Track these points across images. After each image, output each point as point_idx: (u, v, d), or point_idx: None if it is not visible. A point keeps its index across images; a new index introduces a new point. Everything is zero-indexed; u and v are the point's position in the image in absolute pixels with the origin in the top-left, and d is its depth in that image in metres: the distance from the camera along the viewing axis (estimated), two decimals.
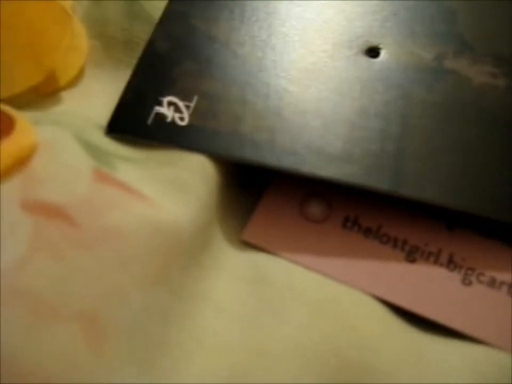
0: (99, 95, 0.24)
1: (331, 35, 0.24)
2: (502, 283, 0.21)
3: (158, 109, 0.22)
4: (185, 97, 0.22)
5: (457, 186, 0.21)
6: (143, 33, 0.24)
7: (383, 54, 0.24)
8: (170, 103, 0.22)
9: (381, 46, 0.24)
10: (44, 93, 0.23)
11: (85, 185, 0.19)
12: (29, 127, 0.20)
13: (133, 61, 0.24)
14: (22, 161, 0.19)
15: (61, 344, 0.16)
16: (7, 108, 0.21)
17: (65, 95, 0.23)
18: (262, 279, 0.20)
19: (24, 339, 0.16)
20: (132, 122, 0.22)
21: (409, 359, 0.19)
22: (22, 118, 0.21)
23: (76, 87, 0.24)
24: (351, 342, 0.19)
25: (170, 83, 0.23)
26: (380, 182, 0.21)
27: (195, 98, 0.22)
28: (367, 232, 0.21)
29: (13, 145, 0.20)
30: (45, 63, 0.23)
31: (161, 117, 0.22)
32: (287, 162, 0.21)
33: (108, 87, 0.24)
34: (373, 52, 0.24)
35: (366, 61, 0.24)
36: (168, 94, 0.22)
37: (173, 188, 0.20)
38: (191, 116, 0.22)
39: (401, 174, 0.21)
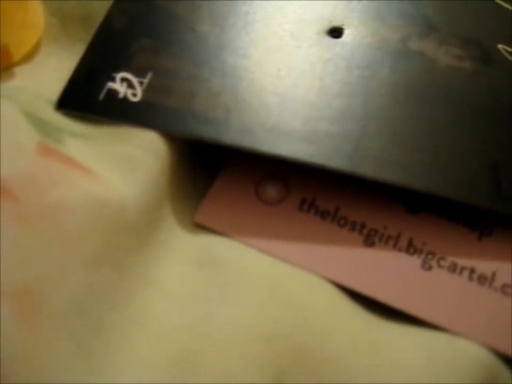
0: (53, 72, 0.23)
1: (293, 15, 0.24)
2: (463, 268, 0.20)
3: (111, 85, 0.21)
4: (139, 73, 0.22)
5: (418, 168, 0.20)
6: (101, 9, 0.24)
7: (346, 34, 0.23)
8: (123, 79, 0.21)
9: (344, 26, 0.23)
10: None
11: (28, 160, 0.18)
12: None
13: (88, 37, 0.23)
14: None
15: None
16: None
17: (18, 70, 0.22)
18: (213, 263, 0.19)
19: None
20: (83, 98, 0.21)
21: (362, 346, 0.18)
22: None
23: (29, 63, 0.23)
24: (301, 327, 0.18)
25: (124, 59, 0.22)
26: (338, 162, 0.20)
27: (149, 75, 0.22)
28: (324, 214, 0.21)
29: None
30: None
31: (113, 92, 0.21)
32: (242, 140, 0.20)
33: (63, 64, 0.23)
34: (335, 32, 0.23)
35: (328, 40, 0.23)
36: (122, 70, 0.22)
37: (122, 165, 0.19)
38: (144, 92, 0.21)
39: (362, 154, 0.20)
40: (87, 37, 0.23)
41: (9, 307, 0.16)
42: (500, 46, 0.24)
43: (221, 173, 0.21)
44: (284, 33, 0.23)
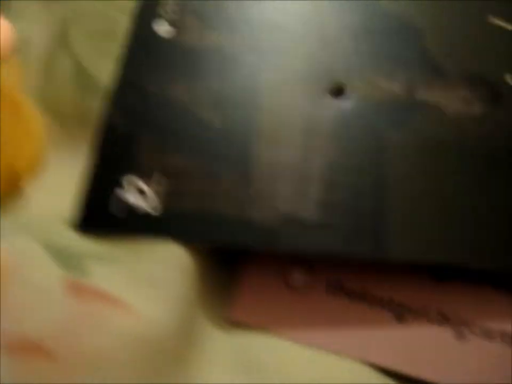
0: (62, 180, 0.23)
1: (294, 77, 0.23)
2: (496, 332, 0.20)
3: (124, 196, 0.21)
4: (150, 179, 0.22)
5: (441, 240, 0.20)
6: (95, 103, 0.23)
7: (349, 92, 0.23)
8: (133, 186, 0.21)
9: (345, 82, 0.23)
10: (7, 191, 0.22)
11: (59, 308, 0.19)
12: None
13: (88, 135, 0.23)
14: None
15: None
16: None
17: (29, 187, 0.23)
18: (251, 366, 0.20)
19: None
20: (98, 216, 0.21)
21: None
22: None
23: (38, 175, 0.23)
24: None
25: (132, 164, 0.22)
26: (361, 248, 0.20)
27: (159, 179, 0.21)
28: (352, 295, 0.21)
29: None
30: (7, 168, 0.22)
31: (127, 205, 0.21)
32: (261, 240, 0.20)
33: (72, 169, 0.23)
34: (338, 91, 0.23)
35: (332, 103, 0.22)
36: (132, 178, 0.22)
37: (150, 287, 0.20)
38: (156, 199, 0.21)
39: (382, 235, 0.20)
40: (85, 134, 0.23)
41: None
42: (508, 76, 0.23)
43: (246, 266, 0.22)
44: (290, 100, 0.22)
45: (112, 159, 0.22)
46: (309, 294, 0.21)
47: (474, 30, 0.24)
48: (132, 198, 0.21)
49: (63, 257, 0.20)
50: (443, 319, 0.20)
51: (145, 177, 0.22)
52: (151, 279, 0.20)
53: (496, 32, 0.24)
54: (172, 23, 0.25)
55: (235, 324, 0.21)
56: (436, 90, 0.23)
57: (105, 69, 0.24)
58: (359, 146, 0.22)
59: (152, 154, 0.22)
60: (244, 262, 0.22)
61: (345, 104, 0.22)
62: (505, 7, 0.25)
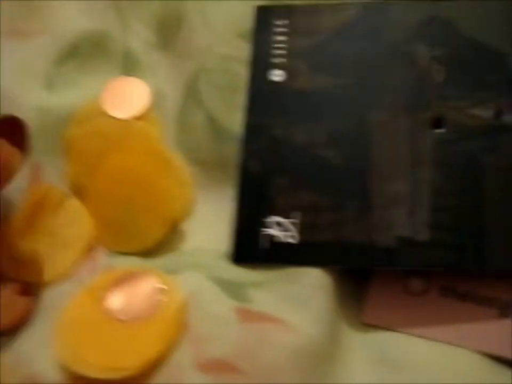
0: (213, 219, 0.28)
1: (398, 112, 0.27)
2: None
3: (268, 231, 0.26)
4: (287, 214, 0.26)
5: None
6: (230, 151, 0.28)
7: (446, 122, 0.26)
8: (276, 223, 0.26)
9: (442, 113, 0.27)
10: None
11: (236, 331, 0.24)
12: (176, 284, 0.25)
13: (229, 179, 0.28)
14: (181, 322, 0.24)
15: None
16: (149, 269, 0.26)
17: (184, 228, 0.28)
18: (384, 359, 0.25)
19: None
20: (249, 250, 0.26)
21: None
22: (167, 279, 0.25)
23: (192, 215, 0.28)
24: None
25: (271, 203, 0.26)
26: (466, 262, 0.25)
27: (295, 214, 0.26)
28: (463, 296, 0.26)
29: (169, 309, 0.25)
30: (166, 215, 0.27)
31: (272, 238, 0.26)
32: (383, 259, 0.25)
33: (218, 208, 0.28)
34: (436, 122, 0.27)
35: (432, 133, 0.26)
36: (272, 215, 0.26)
37: (301, 306, 0.25)
38: (297, 232, 0.26)
39: (482, 250, 0.25)
40: (227, 178, 0.28)
41: None
42: None
43: (374, 279, 0.27)
44: (397, 135, 0.26)
45: (253, 199, 0.27)
46: (425, 298, 0.26)
47: None
48: (274, 231, 0.26)
49: (228, 287, 0.25)
50: None
51: (283, 213, 0.26)
52: (301, 299, 0.25)
53: None
54: (284, 69, 0.29)
55: (368, 326, 0.26)
56: None
57: (233, 118, 0.28)
58: (458, 172, 0.26)
59: (286, 193, 0.27)
60: (371, 277, 0.27)
61: (444, 134, 0.26)
62: None
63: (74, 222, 0.28)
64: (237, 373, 0.23)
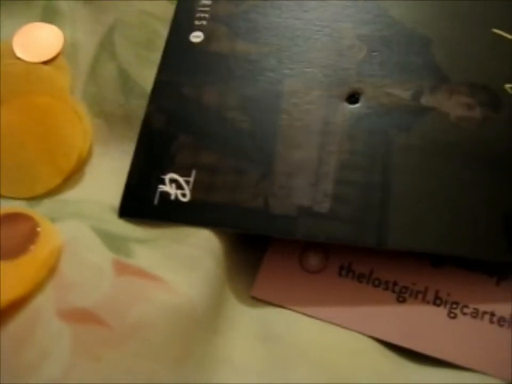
0: (109, 173, 0.26)
1: (314, 84, 0.26)
2: (485, 313, 0.23)
3: (162, 187, 0.25)
4: (184, 172, 0.25)
5: (436, 231, 0.23)
6: (139, 107, 0.26)
7: (362, 98, 0.25)
8: (172, 180, 0.25)
9: (359, 90, 0.26)
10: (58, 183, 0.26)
11: (109, 283, 0.22)
12: (53, 230, 0.23)
13: (134, 135, 0.26)
14: (51, 267, 0.22)
15: None
16: (30, 212, 0.24)
17: (78, 178, 0.26)
18: (271, 336, 0.23)
19: None
20: (140, 205, 0.24)
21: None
22: (45, 222, 0.23)
23: (87, 167, 0.26)
24: None
25: (169, 160, 0.25)
26: (367, 238, 0.23)
27: (193, 173, 0.25)
28: (361, 278, 0.24)
29: (41, 252, 0.23)
30: (63, 166, 0.25)
31: (165, 195, 0.24)
32: (281, 229, 0.24)
33: (115, 163, 0.26)
34: (352, 97, 0.26)
35: (346, 108, 0.25)
36: (169, 171, 0.25)
37: (185, 267, 0.23)
38: (191, 191, 0.24)
39: (387, 226, 0.23)
40: (131, 134, 0.26)
41: None
42: (507, 86, 0.26)
43: (268, 251, 0.25)
44: (309, 106, 0.25)
45: (151, 155, 0.25)
46: (322, 276, 0.24)
47: (478, 41, 0.27)
48: (167, 188, 0.24)
49: (110, 240, 0.24)
50: (438, 300, 0.23)
51: (179, 171, 0.25)
52: (186, 260, 0.23)
53: (498, 43, 0.26)
54: (204, 31, 0.27)
55: (256, 300, 0.24)
56: (440, 97, 0.25)
57: (146, 74, 0.27)
58: (368, 147, 0.25)
59: (187, 151, 0.25)
60: (266, 248, 0.25)
61: (358, 109, 0.25)
62: (508, 19, 0.27)
63: None
64: (100, 325, 0.21)
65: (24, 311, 0.21)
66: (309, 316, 0.24)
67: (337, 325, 0.23)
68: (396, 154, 0.24)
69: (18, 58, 0.27)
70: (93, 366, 0.21)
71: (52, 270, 0.22)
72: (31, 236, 0.23)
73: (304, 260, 0.25)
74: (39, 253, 0.22)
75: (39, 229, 0.23)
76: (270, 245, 0.25)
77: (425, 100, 0.25)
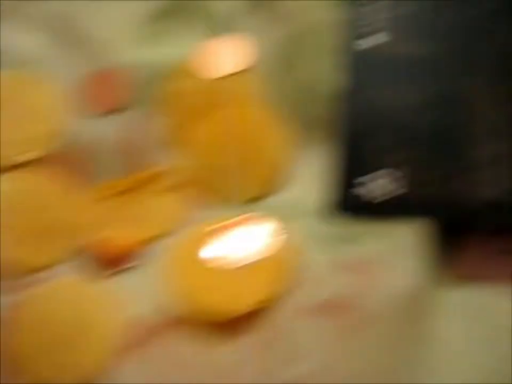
0: (310, 176, 0.28)
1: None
2: None
3: (366, 186, 0.27)
4: (387, 170, 0.27)
5: None
6: (325, 113, 0.29)
7: None
8: (375, 179, 0.27)
9: None
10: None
11: (336, 278, 0.25)
12: (278, 236, 0.26)
13: (328, 138, 0.28)
14: (286, 267, 0.25)
15: None
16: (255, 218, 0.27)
17: (283, 182, 0.29)
18: (473, 311, 0.26)
19: None
20: (349, 204, 0.27)
21: None
22: (269, 227, 0.26)
23: (289, 172, 0.29)
24: None
25: (371, 160, 0.27)
26: None
27: (395, 170, 0.27)
28: None
29: (278, 254, 0.26)
30: (266, 173, 0.28)
31: (371, 193, 0.27)
32: (486, 215, 0.26)
33: (315, 166, 0.28)
34: None
35: None
36: (372, 171, 0.27)
37: (400, 256, 0.26)
38: (400, 187, 0.27)
39: None
40: (326, 138, 0.29)
41: None
42: None
43: (468, 234, 0.28)
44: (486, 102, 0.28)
45: (355, 157, 0.28)
46: None
47: None
48: (372, 186, 0.27)
49: (326, 239, 0.26)
50: None
51: (383, 169, 0.27)
52: (400, 249, 0.26)
53: None
54: (377, 34, 0.29)
55: (459, 280, 0.27)
56: None
57: (326, 81, 0.29)
58: None
59: (383, 151, 0.28)
60: (464, 234, 0.28)
61: None
62: None
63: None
64: (340, 316, 0.24)
65: (272, 311, 0.25)
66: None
67: None
68: None
69: (209, 73, 0.30)
70: (346, 348, 0.24)
71: (287, 272, 0.25)
72: (261, 242, 0.26)
73: (503, 242, 0.27)
74: (272, 257, 0.26)
75: (265, 234, 0.26)
76: (470, 231, 0.28)
77: None
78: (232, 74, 0.30)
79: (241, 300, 0.25)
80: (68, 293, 0.26)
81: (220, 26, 0.31)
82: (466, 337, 0.26)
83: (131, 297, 0.26)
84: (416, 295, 0.26)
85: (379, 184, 0.27)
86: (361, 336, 0.24)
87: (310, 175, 0.28)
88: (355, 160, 0.28)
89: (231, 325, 0.24)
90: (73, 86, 0.30)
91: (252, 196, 0.28)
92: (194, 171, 0.29)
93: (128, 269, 0.27)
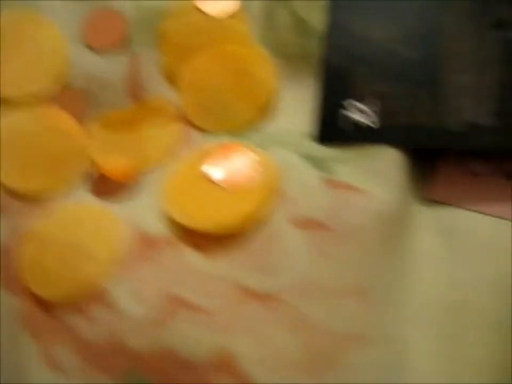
0: (298, 106, 0.31)
1: (466, 17, 0.30)
2: None
3: (350, 115, 0.29)
4: (367, 101, 0.29)
5: None
6: (314, 46, 0.31)
7: (507, 24, 0.29)
8: (358, 109, 0.29)
9: (504, 17, 0.30)
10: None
11: (325, 196, 0.27)
12: (269, 157, 0.28)
13: (313, 71, 0.30)
14: (275, 189, 0.28)
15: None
16: (245, 144, 0.29)
17: (272, 112, 0.31)
18: (450, 230, 0.28)
19: None
20: (334, 131, 0.29)
21: None
22: (260, 151, 0.28)
23: (278, 102, 0.31)
24: None
25: (352, 91, 0.30)
26: None
27: (375, 101, 0.29)
28: None
29: (265, 178, 0.28)
30: (258, 102, 0.30)
31: (355, 122, 0.29)
32: (453, 142, 0.28)
33: (301, 97, 0.31)
34: (499, 24, 0.30)
35: (497, 35, 0.29)
36: (354, 101, 0.29)
37: (379, 178, 0.28)
38: (376, 116, 0.29)
39: None
40: (311, 70, 0.31)
41: (354, 300, 0.26)
42: None
43: (442, 161, 0.30)
44: (465, 35, 0.30)
45: (335, 88, 0.30)
46: (490, 180, 0.29)
47: None
48: (355, 116, 0.29)
49: (315, 162, 0.29)
50: None
51: (362, 100, 0.29)
52: (379, 173, 0.28)
53: None
54: None
55: (433, 201, 0.30)
56: None
57: (316, 17, 0.31)
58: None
59: (364, 82, 0.30)
60: (438, 159, 0.30)
61: (507, 34, 0.29)
62: None
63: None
64: (325, 229, 0.27)
65: (264, 226, 0.27)
66: (480, 213, 0.29)
67: (506, 219, 0.29)
68: None
69: (202, 12, 0.32)
70: (326, 261, 0.26)
71: (276, 191, 0.28)
72: (253, 164, 0.28)
73: (474, 167, 0.30)
74: (264, 177, 0.28)
75: (257, 157, 0.28)
76: (442, 156, 0.30)
77: None
78: (225, 13, 0.32)
79: (232, 214, 0.27)
80: (74, 214, 0.29)
81: None
82: (443, 251, 0.28)
83: (133, 216, 0.28)
84: (393, 213, 0.28)
85: (357, 114, 0.29)
86: (342, 250, 0.27)
87: (296, 106, 0.31)
88: (334, 92, 0.30)
89: (224, 238, 0.27)
90: (75, 26, 0.32)
91: (245, 123, 0.30)
92: (190, 103, 0.31)
93: (130, 192, 0.29)
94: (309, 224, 0.27)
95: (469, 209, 0.29)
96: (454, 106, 0.29)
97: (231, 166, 0.28)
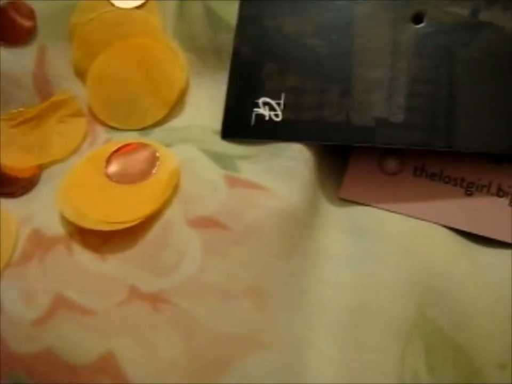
0: (206, 101, 0.30)
1: (382, 9, 0.29)
2: None
3: (257, 110, 0.28)
4: (275, 95, 0.28)
5: (499, 133, 0.27)
6: (226, 40, 0.30)
7: (426, 18, 0.29)
8: (264, 103, 0.28)
9: (423, 11, 0.29)
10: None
11: (224, 194, 0.26)
12: (170, 153, 0.27)
13: (224, 66, 0.30)
14: (174, 186, 0.27)
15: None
16: (147, 140, 0.28)
17: (180, 107, 0.30)
18: (360, 229, 0.28)
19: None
20: (239, 127, 0.28)
21: (471, 274, 0.26)
22: (162, 147, 0.27)
23: (186, 97, 0.30)
24: (428, 270, 0.26)
25: (261, 85, 0.29)
26: (437, 142, 0.27)
27: (283, 96, 0.28)
28: (433, 176, 0.28)
29: (164, 174, 0.27)
30: (167, 98, 0.29)
31: (260, 117, 0.28)
32: (362, 138, 0.27)
33: (210, 92, 0.30)
34: (417, 18, 0.29)
35: (413, 28, 0.28)
36: (262, 96, 0.29)
37: (284, 176, 0.27)
38: (282, 111, 0.28)
39: (454, 131, 0.27)
40: (222, 65, 0.30)
41: (251, 302, 0.25)
42: None
43: (351, 158, 0.29)
44: (380, 29, 0.29)
45: (243, 81, 0.29)
46: (399, 177, 0.28)
47: None
48: (262, 111, 0.28)
49: (217, 158, 0.28)
50: (500, 192, 0.27)
51: (271, 95, 0.28)
52: (284, 170, 0.27)
53: None
54: None
55: (344, 200, 0.29)
56: (496, 11, 0.28)
57: (230, 10, 0.30)
58: (434, 62, 0.28)
59: (274, 77, 0.29)
60: (349, 156, 0.29)
61: (423, 29, 0.28)
62: None
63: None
64: (222, 228, 0.26)
65: (158, 224, 0.26)
66: (390, 211, 0.28)
67: (415, 218, 0.28)
68: (459, 68, 0.28)
69: (113, 5, 0.31)
70: (222, 261, 0.25)
71: (175, 188, 0.27)
72: (152, 161, 0.27)
73: (383, 164, 0.29)
74: (161, 174, 0.27)
75: (158, 154, 0.27)
76: (352, 154, 0.29)
77: (483, 16, 0.28)
78: (135, 7, 0.31)
79: (129, 213, 0.26)
80: None
81: None
82: (351, 251, 0.27)
83: (29, 213, 0.27)
84: (296, 212, 0.27)
85: (264, 109, 0.28)
86: (239, 250, 0.25)
87: (206, 102, 0.30)
88: (242, 86, 0.29)
89: (117, 236, 0.26)
90: None
91: (152, 119, 0.29)
92: (96, 99, 0.30)
93: (28, 189, 0.28)
94: (205, 222, 0.26)
95: (379, 208, 0.28)
96: (362, 101, 0.28)
97: (129, 163, 0.27)
